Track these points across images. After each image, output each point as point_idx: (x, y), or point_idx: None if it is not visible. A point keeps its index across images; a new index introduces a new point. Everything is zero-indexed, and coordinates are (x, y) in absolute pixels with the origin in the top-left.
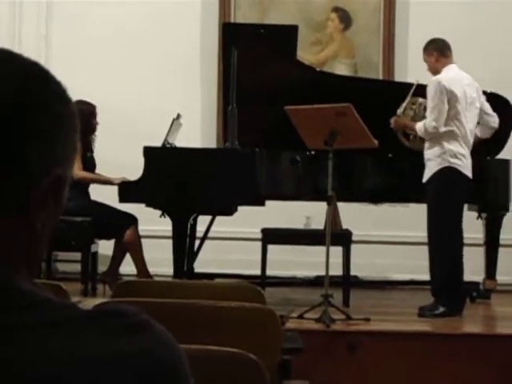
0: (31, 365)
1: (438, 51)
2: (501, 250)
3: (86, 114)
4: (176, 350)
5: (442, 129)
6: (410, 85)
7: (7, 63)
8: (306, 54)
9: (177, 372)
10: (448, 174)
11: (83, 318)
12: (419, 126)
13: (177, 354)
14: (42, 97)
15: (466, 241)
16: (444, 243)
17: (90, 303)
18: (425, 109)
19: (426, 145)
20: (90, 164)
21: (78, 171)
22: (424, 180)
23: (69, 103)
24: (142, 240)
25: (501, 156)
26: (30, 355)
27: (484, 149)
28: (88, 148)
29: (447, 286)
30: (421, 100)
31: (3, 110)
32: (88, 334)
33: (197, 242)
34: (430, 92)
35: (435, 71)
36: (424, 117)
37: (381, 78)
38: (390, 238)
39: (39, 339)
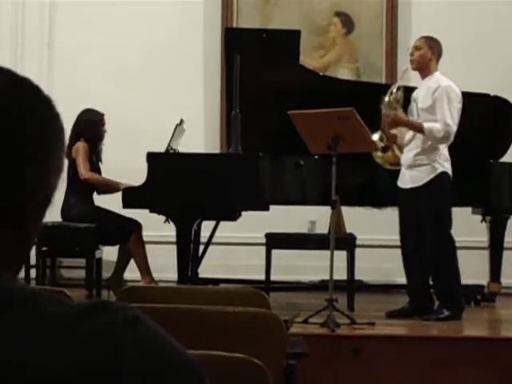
0: (18, 362)
1: (438, 54)
2: (505, 253)
3: (95, 122)
4: (165, 344)
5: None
6: (413, 88)
7: None
8: (308, 58)
9: (168, 367)
10: (444, 179)
11: (71, 313)
12: (430, 126)
13: (167, 350)
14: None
15: (470, 244)
16: (450, 247)
17: None
18: (403, 96)
19: (417, 150)
20: (94, 170)
21: (84, 172)
22: (413, 185)
23: (57, 118)
24: (146, 246)
25: (504, 159)
26: (18, 352)
27: None
28: (96, 156)
29: (452, 289)
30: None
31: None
32: (76, 329)
33: (201, 248)
34: (442, 96)
35: (422, 66)
36: (399, 101)
37: (384, 82)
38: (394, 242)
39: (26, 335)
